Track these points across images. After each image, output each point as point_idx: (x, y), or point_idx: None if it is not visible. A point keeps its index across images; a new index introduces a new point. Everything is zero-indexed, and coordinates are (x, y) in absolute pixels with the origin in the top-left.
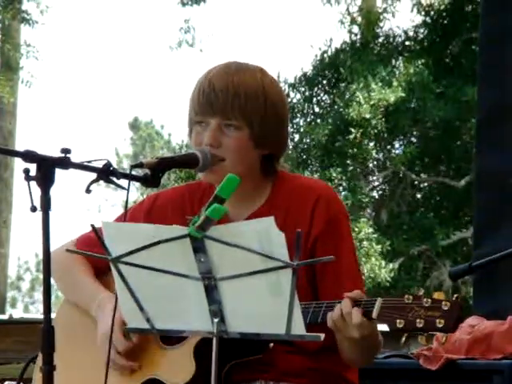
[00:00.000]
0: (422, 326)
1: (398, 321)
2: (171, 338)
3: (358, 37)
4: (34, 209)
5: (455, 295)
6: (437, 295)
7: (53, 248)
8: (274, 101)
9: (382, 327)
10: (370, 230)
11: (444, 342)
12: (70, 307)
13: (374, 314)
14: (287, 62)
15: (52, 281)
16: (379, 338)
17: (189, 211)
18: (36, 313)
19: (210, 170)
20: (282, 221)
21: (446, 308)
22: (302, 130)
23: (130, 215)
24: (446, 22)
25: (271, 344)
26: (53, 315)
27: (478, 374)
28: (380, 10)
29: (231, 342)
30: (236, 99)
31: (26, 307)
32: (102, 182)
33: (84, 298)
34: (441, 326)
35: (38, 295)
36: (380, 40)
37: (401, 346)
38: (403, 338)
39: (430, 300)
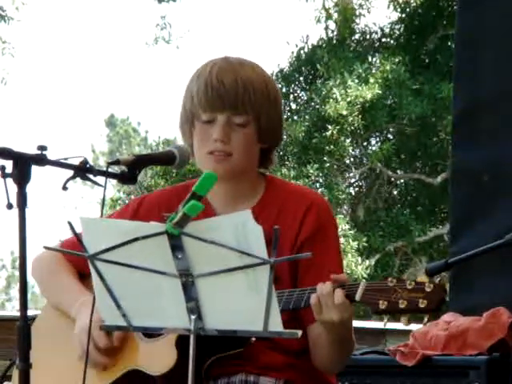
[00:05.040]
0: (405, 306)
1: (380, 302)
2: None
3: (335, 33)
4: (10, 206)
5: (438, 278)
6: (420, 279)
7: (29, 246)
8: (276, 95)
9: (359, 323)
10: (347, 226)
11: (426, 322)
12: (51, 311)
13: (358, 296)
14: (263, 58)
15: (29, 278)
16: (353, 337)
17: None
18: (11, 310)
19: (219, 163)
20: (272, 223)
21: (429, 290)
22: None
23: (115, 218)
24: (422, 18)
25: (253, 338)
26: (29, 312)
27: (454, 370)
28: (356, 7)
29: (212, 337)
30: (246, 93)
31: (1, 304)
32: (78, 179)
33: (66, 301)
34: (423, 306)
35: (14, 292)
36: (356, 37)
37: (384, 325)
38: (385, 320)
39: (413, 282)
